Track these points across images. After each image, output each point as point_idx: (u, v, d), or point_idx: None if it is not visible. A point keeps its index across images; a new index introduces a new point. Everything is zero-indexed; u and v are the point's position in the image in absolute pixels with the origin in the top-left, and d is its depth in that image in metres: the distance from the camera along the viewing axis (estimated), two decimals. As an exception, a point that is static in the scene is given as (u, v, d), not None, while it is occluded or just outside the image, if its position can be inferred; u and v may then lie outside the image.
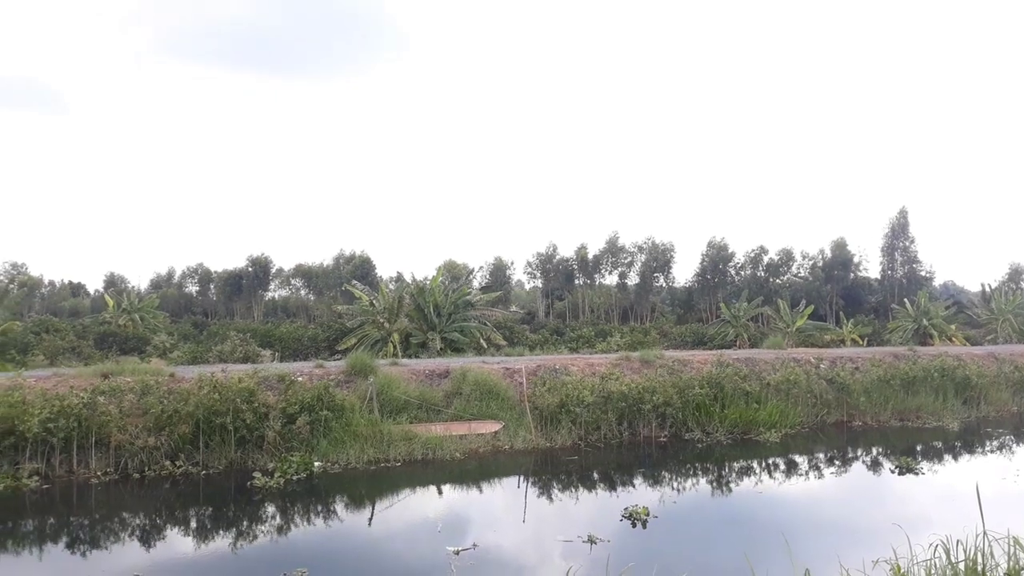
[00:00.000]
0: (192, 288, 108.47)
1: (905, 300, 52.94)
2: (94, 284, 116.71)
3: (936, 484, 14.64)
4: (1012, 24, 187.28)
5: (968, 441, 19.20)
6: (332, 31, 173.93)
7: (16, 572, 9.98)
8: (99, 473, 14.04)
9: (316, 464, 14.76)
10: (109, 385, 15.31)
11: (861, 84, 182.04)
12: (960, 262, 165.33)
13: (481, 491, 14.35)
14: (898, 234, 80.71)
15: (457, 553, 9.79)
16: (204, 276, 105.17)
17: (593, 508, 12.93)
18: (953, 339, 45.34)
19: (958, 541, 6.35)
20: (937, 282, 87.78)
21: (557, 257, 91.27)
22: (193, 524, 12.19)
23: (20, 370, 19.34)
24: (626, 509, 11.85)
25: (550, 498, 13.79)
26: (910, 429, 20.28)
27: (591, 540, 10.29)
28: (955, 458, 17.57)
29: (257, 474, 13.89)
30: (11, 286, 66.17)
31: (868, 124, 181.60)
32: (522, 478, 15.13)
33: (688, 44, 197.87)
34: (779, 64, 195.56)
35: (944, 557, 6.21)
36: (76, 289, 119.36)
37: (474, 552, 9.92)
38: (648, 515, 11.61)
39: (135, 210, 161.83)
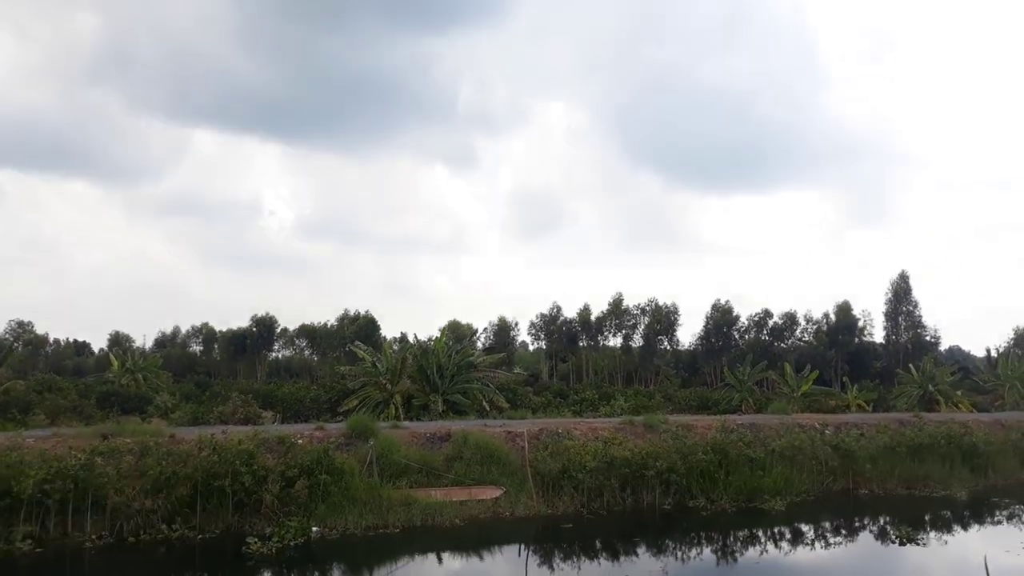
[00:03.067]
0: (196, 348, 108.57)
1: (911, 366, 52.53)
2: (99, 343, 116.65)
3: (942, 555, 14.38)
4: (1009, 82, 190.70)
5: (976, 511, 18.87)
6: (347, 101, 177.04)
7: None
8: (94, 536, 13.84)
9: (314, 529, 14.54)
10: (108, 446, 15.22)
11: (861, 142, 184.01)
12: (965, 327, 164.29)
13: (479, 560, 14.12)
14: (901, 298, 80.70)
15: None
16: (208, 336, 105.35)
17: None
18: (960, 405, 44.82)
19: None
20: (943, 347, 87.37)
21: (561, 318, 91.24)
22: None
23: (20, 430, 19.25)
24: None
25: (550, 568, 13.56)
26: (917, 498, 19.94)
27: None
28: (964, 528, 17.29)
29: (252, 539, 13.66)
30: (16, 344, 66.28)
31: (869, 183, 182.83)
32: (520, 547, 14.87)
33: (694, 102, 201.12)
34: (781, 116, 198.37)
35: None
36: (81, 348, 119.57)
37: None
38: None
39: (142, 269, 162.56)
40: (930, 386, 46.68)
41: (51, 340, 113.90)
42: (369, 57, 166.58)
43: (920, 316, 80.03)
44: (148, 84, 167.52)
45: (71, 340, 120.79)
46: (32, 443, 15.32)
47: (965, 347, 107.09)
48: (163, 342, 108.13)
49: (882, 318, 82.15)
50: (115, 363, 57.84)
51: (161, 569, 12.98)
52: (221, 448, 15.11)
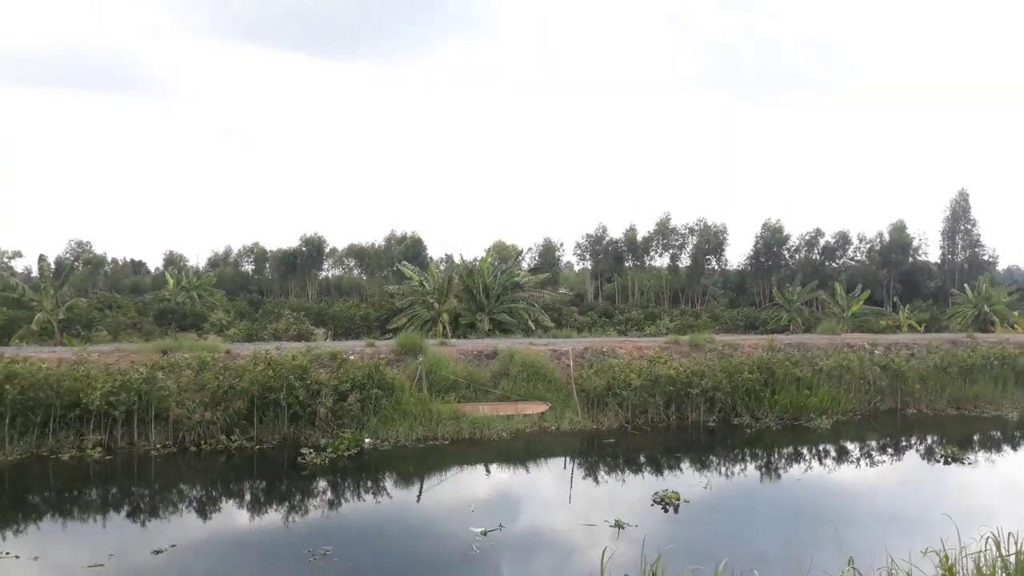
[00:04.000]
0: (248, 266, 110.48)
1: (965, 285, 51.21)
2: (154, 262, 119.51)
3: (991, 475, 14.29)
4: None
5: (1027, 431, 18.67)
6: (393, 14, 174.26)
7: (79, 535, 10.47)
8: (158, 445, 14.55)
9: (367, 441, 15.06)
10: (168, 361, 15.84)
11: (920, 61, 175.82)
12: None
13: (522, 472, 14.48)
14: (959, 217, 78.17)
15: (484, 534, 9.86)
16: (260, 255, 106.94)
17: (628, 492, 12.92)
18: (1016, 326, 43.88)
19: (1010, 533, 6.24)
20: (1001, 266, 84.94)
21: (607, 238, 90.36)
22: (234, 498, 12.69)
23: (85, 345, 20.05)
24: (656, 494, 11.79)
25: (590, 480, 13.88)
26: (967, 418, 19.77)
27: (618, 524, 10.27)
28: (1013, 448, 17.15)
29: (306, 450, 14.20)
30: (76, 263, 68.29)
31: (928, 103, 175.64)
32: (563, 460, 15.21)
33: (736, 20, 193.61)
34: (833, 38, 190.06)
35: (995, 549, 6.11)
36: (137, 267, 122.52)
37: (499, 533, 10.00)
38: (679, 500, 11.55)
39: (194, 189, 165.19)
40: (985, 306, 45.59)
41: (109, 259, 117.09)
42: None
43: (979, 235, 77.62)
44: (193, 2, 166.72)
45: (128, 259, 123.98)
46: (97, 358, 15.99)
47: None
48: (216, 261, 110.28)
49: (938, 237, 79.98)
50: (171, 281, 59.46)
51: (223, 476, 13.61)
52: (276, 363, 15.58)
